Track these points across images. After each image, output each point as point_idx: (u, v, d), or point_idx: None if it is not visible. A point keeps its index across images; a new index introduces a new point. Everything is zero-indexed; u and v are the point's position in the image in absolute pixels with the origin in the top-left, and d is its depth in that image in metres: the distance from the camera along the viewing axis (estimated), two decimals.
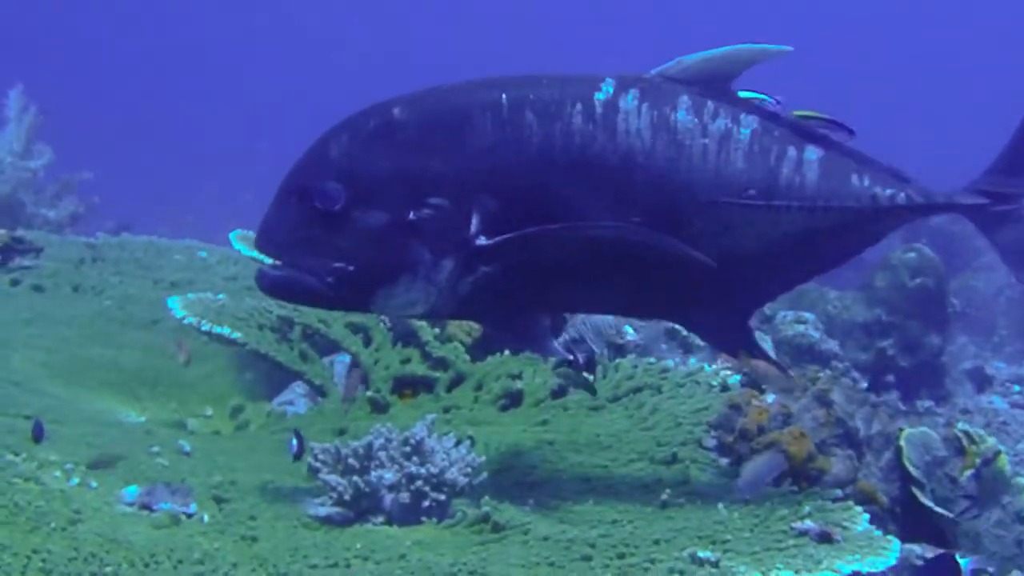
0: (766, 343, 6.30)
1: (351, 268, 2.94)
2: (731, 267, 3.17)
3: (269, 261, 3.07)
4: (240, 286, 5.96)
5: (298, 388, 4.95)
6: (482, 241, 2.96)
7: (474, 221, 2.95)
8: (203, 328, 4.58)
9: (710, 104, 3.12)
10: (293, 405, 4.93)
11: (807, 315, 7.37)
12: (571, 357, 3.88)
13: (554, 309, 3.29)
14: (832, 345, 7.23)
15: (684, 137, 3.07)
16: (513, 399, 4.31)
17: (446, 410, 4.23)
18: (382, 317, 4.61)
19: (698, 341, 5.81)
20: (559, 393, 4.34)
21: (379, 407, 4.23)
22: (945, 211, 3.42)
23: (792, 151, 3.17)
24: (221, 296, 5.02)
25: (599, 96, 3.04)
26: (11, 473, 3.05)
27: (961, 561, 3.47)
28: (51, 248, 6.41)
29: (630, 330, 4.94)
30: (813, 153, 3.20)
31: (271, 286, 3.04)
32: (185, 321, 4.63)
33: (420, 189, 2.93)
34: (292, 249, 2.97)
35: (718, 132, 3.10)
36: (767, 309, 7.69)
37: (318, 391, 4.45)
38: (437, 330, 4.48)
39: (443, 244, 2.94)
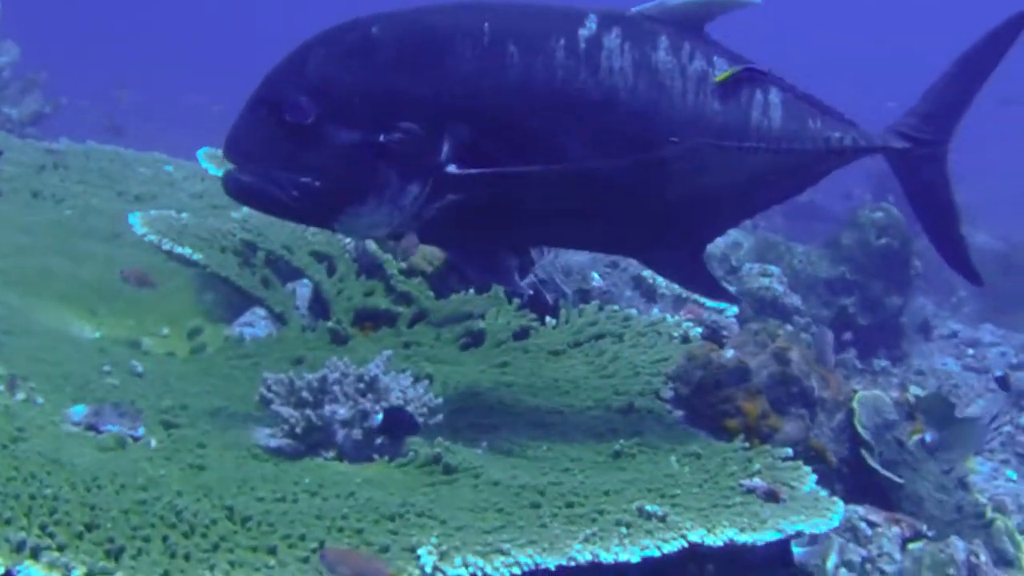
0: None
1: (317, 184, 2.91)
2: (700, 204, 3.29)
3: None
4: (205, 204, 5.87)
5: (259, 311, 4.90)
6: (452, 169, 2.95)
7: (445, 148, 2.94)
8: (164, 247, 4.50)
9: (687, 45, 3.18)
10: (253, 328, 4.90)
11: (772, 268, 7.39)
12: (531, 293, 3.87)
13: (518, 242, 3.33)
14: (795, 300, 7.26)
15: (664, 78, 3.11)
16: (475, 338, 4.29)
17: (406, 346, 4.20)
18: (347, 246, 4.56)
19: (663, 290, 5.82)
20: (521, 335, 4.33)
21: (339, 339, 4.19)
22: (879, 152, 3.55)
23: (759, 93, 3.29)
24: (184, 214, 4.94)
25: (582, 32, 3.04)
26: None
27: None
28: (11, 151, 6.25)
29: (596, 276, 4.92)
30: (776, 96, 3.33)
31: (237, 190, 3.00)
32: (146, 239, 4.55)
33: (393, 111, 2.91)
34: (260, 158, 2.94)
35: (695, 73, 3.17)
36: (733, 260, 7.73)
37: (278, 318, 4.41)
38: (403, 264, 4.44)
39: (411, 168, 2.93)
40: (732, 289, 6.40)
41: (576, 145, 3.03)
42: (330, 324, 4.21)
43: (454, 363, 4.09)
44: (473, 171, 2.94)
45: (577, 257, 4.80)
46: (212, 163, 5.36)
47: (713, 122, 3.19)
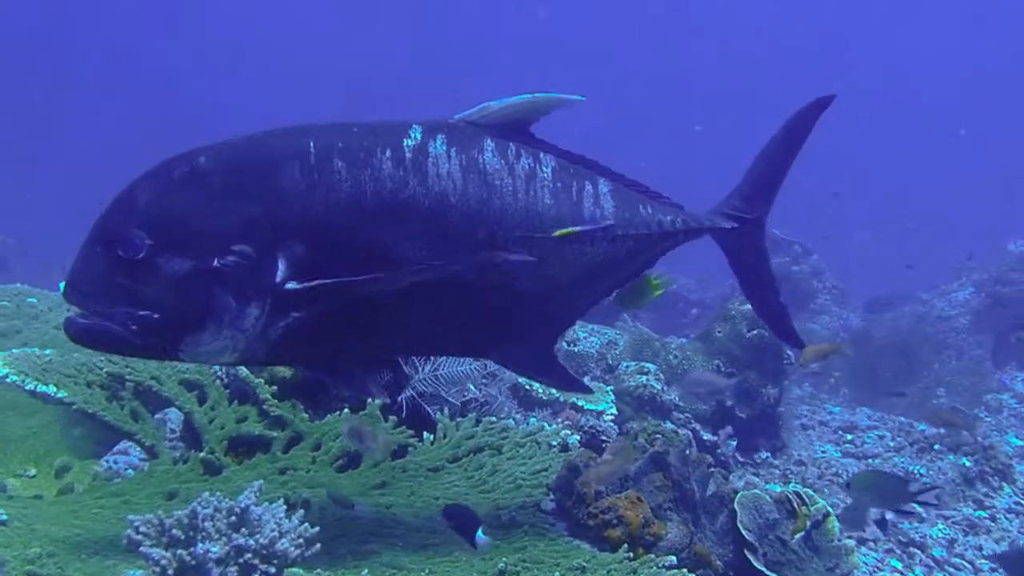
0: (607, 394, 6.37)
1: (156, 316, 2.90)
2: (544, 296, 3.36)
3: None
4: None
5: (130, 445, 4.78)
6: (291, 286, 2.96)
7: (281, 266, 2.96)
8: (27, 387, 4.37)
9: (512, 146, 3.28)
10: (125, 457, 4.76)
11: (649, 365, 7.48)
12: (388, 400, 3.85)
13: (365, 353, 3.34)
14: (673, 396, 7.34)
15: (493, 177, 3.19)
16: (352, 460, 4.24)
17: (282, 471, 4.12)
18: (218, 372, 4.48)
19: (540, 395, 5.84)
20: (399, 453, 4.29)
21: (213, 469, 4.10)
22: (707, 233, 3.74)
23: (589, 186, 3.41)
24: (48, 352, 4.81)
25: (408, 142, 3.11)
26: None
27: None
28: None
29: (472, 387, 4.92)
30: (605, 186, 3.45)
31: (76, 334, 2.97)
32: (8, 380, 4.41)
33: (224, 236, 2.92)
34: (98, 297, 2.92)
35: (524, 171, 3.26)
36: (610, 359, 7.80)
37: (149, 451, 4.29)
38: (275, 388, 4.38)
39: (248, 290, 2.93)
40: (609, 393, 6.48)
41: (413, 251, 3.08)
42: (202, 454, 4.12)
43: (332, 486, 4.02)
44: (308, 284, 2.95)
45: (457, 368, 4.79)
46: None
47: (547, 216, 3.27)
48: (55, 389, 4.29)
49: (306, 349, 3.16)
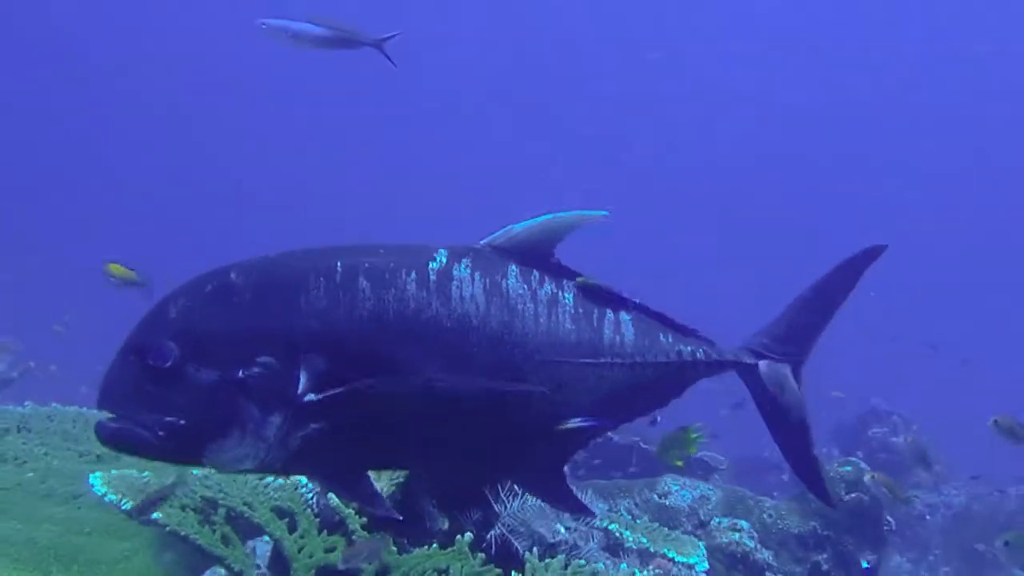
0: (698, 548, 6.24)
1: (181, 422, 2.98)
2: (563, 420, 3.36)
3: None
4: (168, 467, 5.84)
5: (219, 571, 4.79)
6: (310, 397, 3.03)
7: (302, 379, 3.03)
8: (124, 507, 4.45)
9: (536, 273, 3.36)
10: None
11: (742, 523, 7.33)
12: (399, 517, 3.86)
13: (384, 467, 3.39)
14: (767, 555, 7.17)
15: (516, 302, 3.27)
16: None
17: None
18: (309, 500, 4.51)
19: (629, 543, 5.75)
20: None
21: None
22: (731, 368, 3.70)
23: (610, 313, 3.46)
24: (147, 474, 4.90)
25: (433, 265, 3.22)
26: None
27: None
28: None
29: (561, 528, 4.87)
30: (626, 314, 3.50)
31: (106, 437, 3.06)
32: (106, 499, 4.51)
33: (249, 348, 3.02)
34: (128, 403, 3.02)
35: (546, 297, 3.34)
36: (701, 514, 7.66)
37: None
38: (364, 520, 4.39)
39: (271, 401, 3.01)
40: (700, 546, 6.35)
41: (432, 370, 3.13)
42: None
43: None
44: (328, 393, 3.02)
45: (543, 504, 4.75)
46: None
47: (566, 341, 3.33)
48: None
49: (322, 459, 3.21)
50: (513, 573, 4.40)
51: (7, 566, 4.70)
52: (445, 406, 3.15)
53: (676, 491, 7.98)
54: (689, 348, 3.59)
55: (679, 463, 5.93)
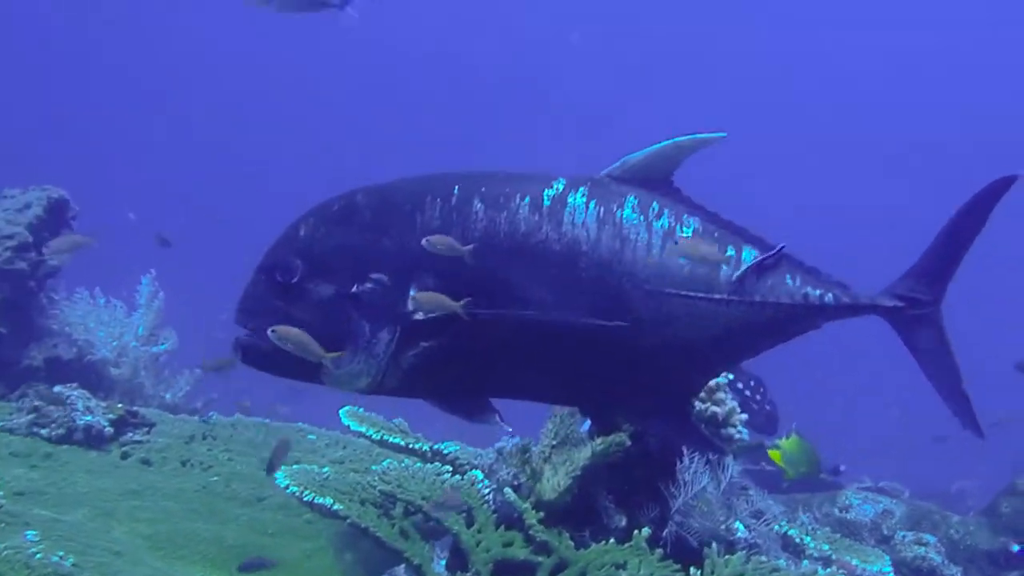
0: (883, 558, 6.02)
1: None
2: (672, 354, 3.36)
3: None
4: (346, 469, 5.96)
5: (398, 572, 4.84)
6: (418, 316, 3.12)
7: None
8: (305, 498, 4.55)
9: (655, 204, 3.35)
10: None
11: (928, 537, 7.06)
12: (510, 429, 3.82)
13: (495, 391, 3.38)
14: (955, 572, 6.87)
15: (629, 231, 3.28)
16: None
17: None
18: (486, 496, 4.52)
19: (811, 550, 5.59)
20: None
21: None
22: (867, 312, 3.60)
23: (731, 250, 3.42)
24: (327, 469, 5.01)
25: (548, 192, 3.27)
26: None
27: None
28: (163, 424, 6.55)
29: (740, 527, 4.75)
30: (749, 253, 3.44)
31: (243, 351, 3.26)
32: (288, 490, 4.62)
33: (364, 265, 3.16)
34: (258, 318, 3.19)
35: (662, 229, 3.32)
36: (884, 529, 7.40)
37: (416, 572, 4.33)
38: (542, 514, 4.36)
39: (381, 317, 3.14)
40: (886, 559, 6.12)
41: (539, 293, 3.19)
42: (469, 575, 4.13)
43: None
44: (430, 316, 3.12)
45: (724, 501, 4.64)
46: (353, 420, 5.48)
47: (679, 275, 3.30)
48: (332, 501, 4.44)
49: (433, 380, 3.29)
50: (692, 568, 4.32)
51: (199, 563, 4.86)
52: (550, 334, 3.19)
53: (858, 505, 7.73)
54: (818, 292, 3.51)
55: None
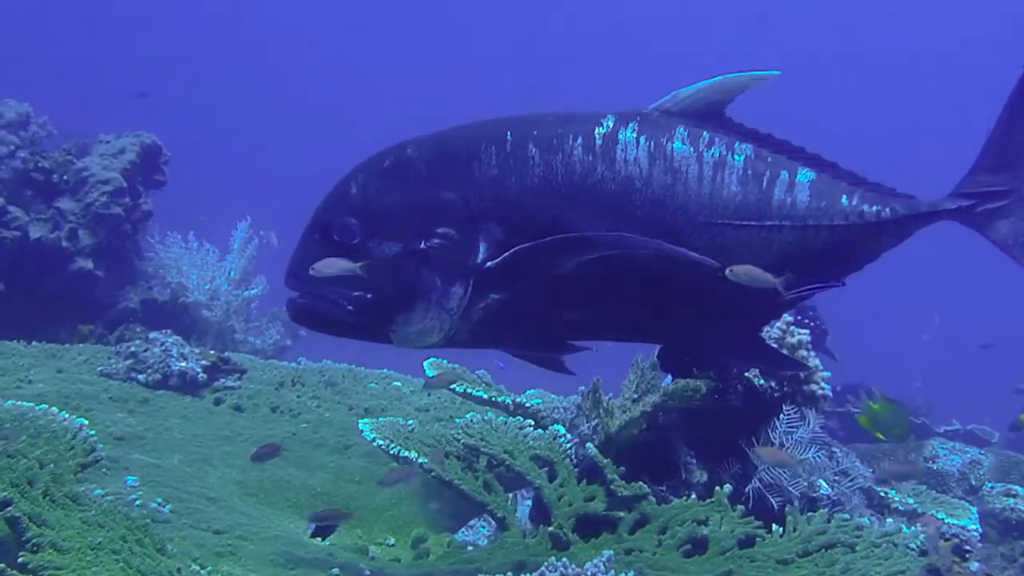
0: (970, 511, 5.96)
1: (368, 296, 3.11)
2: (731, 285, 3.26)
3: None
4: (431, 417, 6.06)
5: (481, 522, 4.92)
6: (489, 265, 3.11)
7: (481, 247, 3.13)
8: (391, 451, 4.64)
9: (705, 134, 3.28)
10: (475, 535, 4.91)
11: (1018, 488, 6.95)
12: (575, 373, 3.83)
13: (567, 334, 3.37)
14: None
15: (680, 164, 3.22)
16: (698, 545, 4.17)
17: (628, 552, 4.11)
18: (568, 451, 4.57)
19: (896, 504, 5.56)
20: (746, 543, 4.18)
21: (561, 544, 4.14)
22: (932, 220, 3.39)
23: (784, 174, 3.31)
24: (411, 422, 5.09)
25: (599, 130, 3.22)
26: None
27: None
28: (254, 370, 6.70)
29: (823, 483, 4.74)
30: (804, 176, 3.33)
31: (295, 313, 3.23)
32: (374, 443, 4.71)
33: (429, 220, 3.12)
34: (316, 280, 3.13)
35: (712, 159, 3.26)
36: (972, 479, 7.32)
37: (500, 523, 4.41)
38: (623, 469, 4.40)
39: (452, 270, 3.11)
40: (973, 511, 6.06)
41: (599, 230, 3.16)
42: (551, 529, 4.18)
43: (677, 571, 3.96)
44: (506, 255, 3.09)
45: (806, 458, 4.63)
46: (437, 372, 5.55)
47: (730, 204, 3.25)
48: (416, 455, 4.52)
49: (505, 329, 3.28)
50: (774, 526, 4.32)
51: (287, 509, 4.99)
52: (617, 269, 3.16)
53: (944, 455, 7.65)
54: (875, 208, 3.35)
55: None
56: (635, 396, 4.59)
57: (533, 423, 4.88)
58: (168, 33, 41.12)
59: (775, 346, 3.93)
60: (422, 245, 3.10)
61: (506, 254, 3.10)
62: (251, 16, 42.27)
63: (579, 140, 3.19)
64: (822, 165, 3.41)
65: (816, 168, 3.39)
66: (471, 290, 3.13)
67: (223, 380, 6.33)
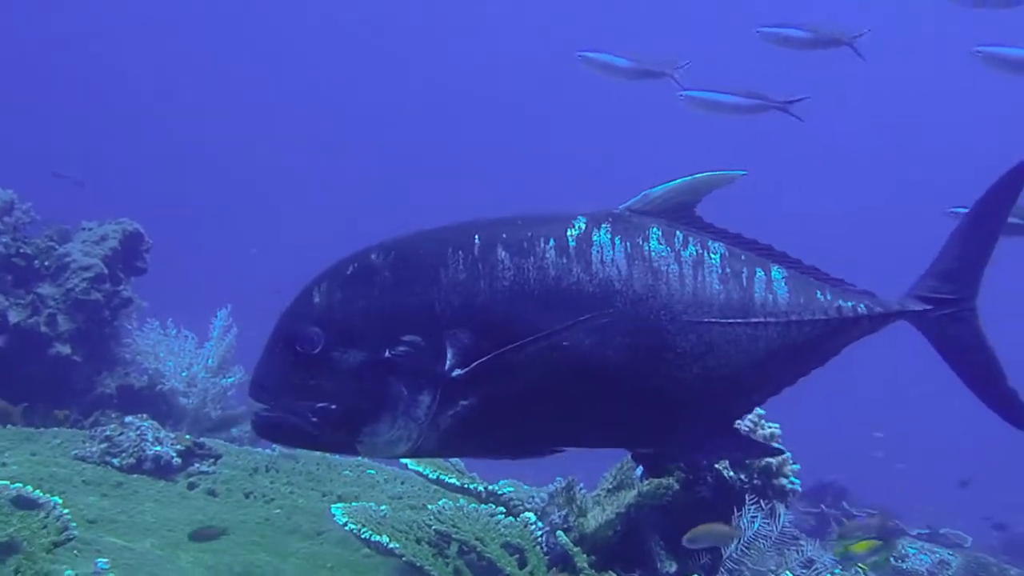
0: None
1: (333, 407, 3.02)
2: (717, 383, 3.27)
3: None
4: (404, 504, 6.07)
5: None
6: (457, 372, 3.03)
7: (448, 355, 3.04)
8: (363, 536, 4.66)
9: (679, 234, 3.28)
10: None
11: None
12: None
13: (538, 442, 3.35)
14: None
15: (659, 263, 3.20)
16: None
17: None
18: (538, 538, 4.61)
19: None
20: None
21: None
22: (900, 318, 3.46)
23: (760, 272, 3.33)
24: (384, 507, 5.12)
25: (571, 231, 3.18)
26: None
27: None
28: (229, 456, 6.72)
29: (789, 574, 4.78)
30: (779, 272, 3.36)
31: (261, 428, 3.14)
32: (346, 527, 4.73)
33: (394, 327, 3.05)
34: (280, 393, 3.08)
35: (691, 258, 3.25)
36: None
37: None
38: (593, 557, 4.44)
39: (419, 379, 3.02)
40: None
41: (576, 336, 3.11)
42: None
43: None
44: (475, 364, 3.02)
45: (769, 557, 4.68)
46: (411, 459, 5.58)
47: (715, 302, 3.24)
48: (388, 539, 4.55)
49: (474, 439, 3.21)
50: None
51: None
52: (591, 373, 3.12)
53: (913, 555, 7.69)
54: (850, 303, 3.42)
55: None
56: (610, 487, 4.66)
57: (505, 511, 4.92)
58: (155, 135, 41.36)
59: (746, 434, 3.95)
60: (387, 354, 3.04)
61: (477, 361, 3.05)
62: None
63: (551, 243, 3.17)
64: (789, 262, 3.48)
65: (785, 265, 3.45)
66: (439, 398, 3.06)
67: (197, 465, 6.36)
